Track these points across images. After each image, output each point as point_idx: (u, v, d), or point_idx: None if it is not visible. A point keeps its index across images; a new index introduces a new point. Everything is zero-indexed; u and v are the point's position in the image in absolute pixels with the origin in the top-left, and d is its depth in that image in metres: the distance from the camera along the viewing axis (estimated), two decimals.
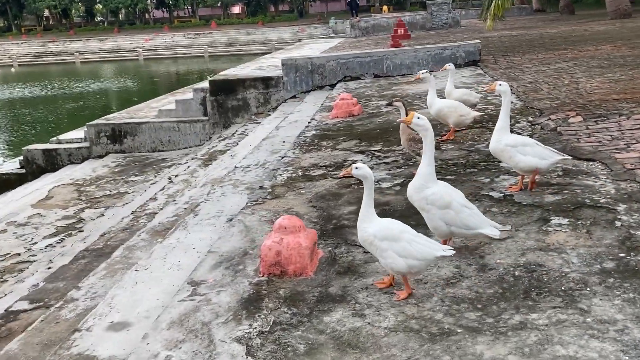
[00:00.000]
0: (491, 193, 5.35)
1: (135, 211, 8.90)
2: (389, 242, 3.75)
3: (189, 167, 10.96)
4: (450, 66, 8.13)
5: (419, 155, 6.19)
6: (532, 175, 5.25)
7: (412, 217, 4.81)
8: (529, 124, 7.71)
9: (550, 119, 7.58)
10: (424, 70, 7.66)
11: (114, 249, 6.75)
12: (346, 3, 35.67)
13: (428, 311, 3.57)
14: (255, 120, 14.73)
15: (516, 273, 3.89)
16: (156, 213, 8.00)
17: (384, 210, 5.27)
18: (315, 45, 27.69)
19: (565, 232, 4.37)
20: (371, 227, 3.87)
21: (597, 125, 7.06)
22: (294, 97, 14.95)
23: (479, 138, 7.38)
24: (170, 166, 12.80)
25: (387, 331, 3.40)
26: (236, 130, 13.87)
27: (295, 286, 4.09)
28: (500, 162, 5.94)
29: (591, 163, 5.82)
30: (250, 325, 3.63)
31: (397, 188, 5.86)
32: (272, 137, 9.88)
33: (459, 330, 3.32)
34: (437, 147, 6.32)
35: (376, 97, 11.52)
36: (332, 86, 14.68)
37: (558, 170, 5.71)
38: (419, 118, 4.27)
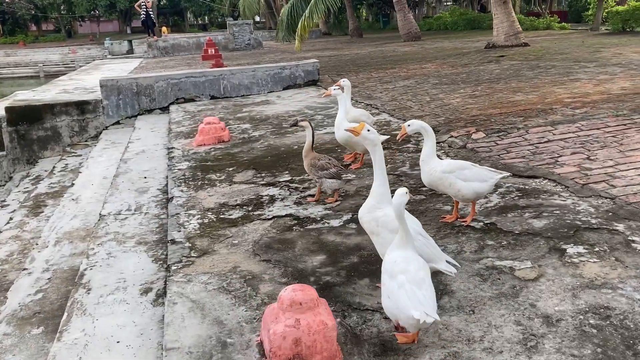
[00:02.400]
0: (471, 224, 4.75)
1: None
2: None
3: (10, 218, 8.54)
4: (345, 82, 7.44)
5: (317, 181, 5.49)
6: (473, 202, 4.75)
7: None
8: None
9: (452, 136, 7.35)
10: (334, 87, 6.84)
11: None
12: (141, 22, 33.27)
13: None
14: (73, 152, 12.42)
15: (591, 321, 3.28)
16: None
17: (354, 262, 4.31)
18: (114, 65, 25.07)
19: (594, 262, 3.92)
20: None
21: (503, 140, 7.00)
22: (117, 123, 13.00)
23: (393, 161, 6.81)
24: None
25: None
26: (53, 167, 11.43)
27: None
28: None
29: (537, 180, 5.60)
30: None
31: (353, 225, 4.94)
32: (124, 172, 8.15)
33: None
34: (340, 178, 5.62)
35: (232, 119, 10.38)
36: (164, 109, 13.08)
37: (513, 191, 5.37)
38: (368, 131, 3.97)
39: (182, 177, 6.99)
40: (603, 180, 5.33)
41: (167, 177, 7.70)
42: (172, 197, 6.21)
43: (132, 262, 5.06)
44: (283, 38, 27.16)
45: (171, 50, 29.80)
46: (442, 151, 6.95)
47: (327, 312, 3.20)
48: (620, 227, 4.38)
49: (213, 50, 23.30)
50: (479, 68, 13.80)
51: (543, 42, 18.77)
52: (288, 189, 6.15)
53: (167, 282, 4.22)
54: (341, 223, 5.06)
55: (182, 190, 6.42)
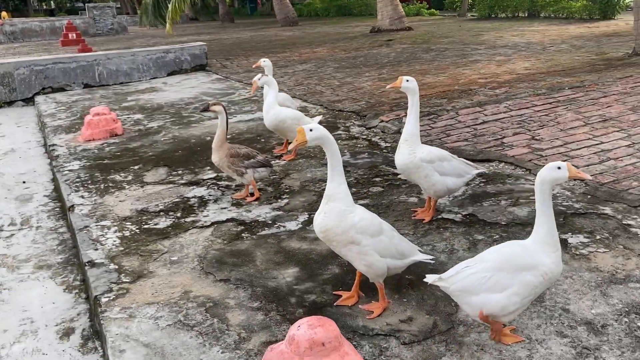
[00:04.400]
0: (447, 216, 4.23)
1: None
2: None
3: None
4: (265, 62, 6.61)
5: (242, 175, 4.73)
6: (435, 199, 4.21)
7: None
8: (363, 127, 6.83)
9: (382, 121, 6.84)
10: (258, 77, 5.95)
11: None
12: None
13: None
14: None
15: (638, 323, 2.87)
16: None
17: (337, 273, 3.61)
18: None
19: (603, 252, 3.55)
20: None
21: (436, 123, 6.61)
22: None
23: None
24: None
25: None
26: None
27: None
28: (401, 177, 4.89)
29: (492, 164, 5.25)
30: None
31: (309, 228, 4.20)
32: None
33: None
34: (270, 165, 5.03)
35: (119, 110, 9.05)
36: (27, 101, 11.28)
37: (475, 177, 4.94)
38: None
39: (78, 179, 5.76)
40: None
41: (52, 180, 6.40)
42: (72, 206, 5.02)
43: (36, 294, 3.91)
44: (150, 22, 25.31)
45: (20, 35, 26.52)
46: (378, 137, 6.41)
47: (353, 350, 2.47)
48: (608, 210, 4.10)
49: (74, 34, 20.96)
50: (373, 52, 13.55)
51: (423, 27, 19.09)
52: (218, 188, 5.24)
53: (102, 321, 3.20)
54: (299, 225, 4.29)
55: (82, 196, 5.24)
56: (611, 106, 6.59)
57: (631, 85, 7.40)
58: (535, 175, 4.83)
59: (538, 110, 6.70)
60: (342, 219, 3.03)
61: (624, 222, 3.89)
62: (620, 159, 5.02)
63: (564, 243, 3.69)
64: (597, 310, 3.00)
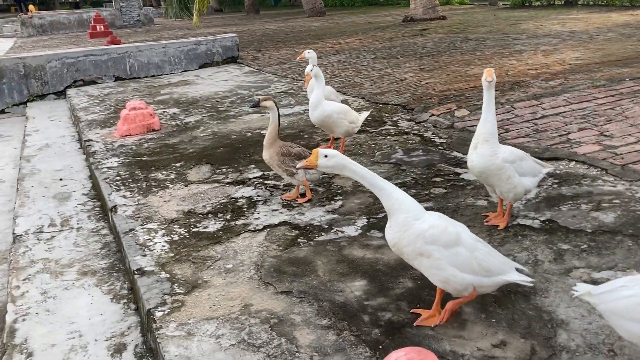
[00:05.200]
0: (524, 222, 3.86)
1: None
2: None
3: None
4: (310, 53, 6.28)
5: (292, 175, 4.40)
6: (512, 203, 3.83)
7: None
8: (412, 122, 6.47)
9: (433, 114, 6.47)
10: (309, 68, 5.65)
11: None
12: None
13: None
14: None
15: None
16: None
17: (410, 287, 3.27)
18: None
19: None
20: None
21: None
22: (2, 112, 10.86)
23: (377, 146, 5.79)
24: None
25: None
26: None
27: None
28: (464, 177, 4.53)
29: (562, 163, 4.85)
30: None
31: (377, 234, 3.88)
32: (31, 174, 6.47)
33: None
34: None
35: (153, 104, 8.81)
36: (59, 94, 11.13)
37: (545, 177, 4.55)
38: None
39: (118, 177, 5.51)
40: None
41: (90, 177, 6.17)
42: (114, 206, 4.77)
43: (83, 303, 3.66)
44: (175, 14, 25.13)
45: (49, 28, 26.60)
46: (430, 132, 6.05)
47: None
48: None
49: (102, 26, 20.88)
50: (409, 41, 13.11)
51: (457, 16, 18.56)
52: (265, 188, 4.94)
53: (158, 339, 2.92)
54: (359, 231, 3.97)
55: (124, 196, 4.99)
56: None
57: None
58: (613, 175, 4.47)
59: (601, 104, 6.26)
60: (407, 228, 2.70)
61: None
62: None
63: None
64: None
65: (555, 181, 4.49)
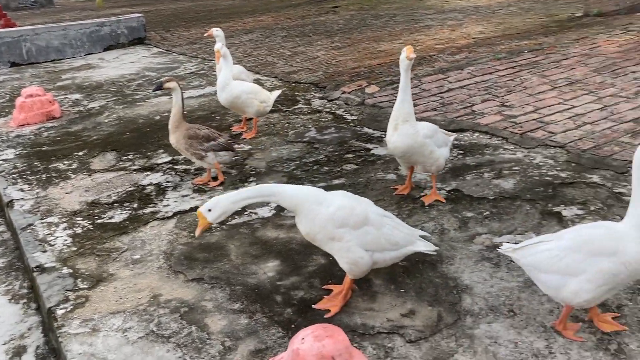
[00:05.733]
0: (427, 192, 3.96)
1: None
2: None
3: None
4: (218, 31, 6.10)
5: (202, 158, 4.31)
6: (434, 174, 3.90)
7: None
8: (325, 100, 6.46)
9: (344, 92, 6.49)
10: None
11: None
12: None
13: None
14: None
15: None
16: None
17: (323, 263, 3.29)
18: None
19: None
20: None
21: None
22: None
23: (291, 125, 5.74)
24: None
25: None
26: None
27: None
28: (374, 152, 4.58)
29: (466, 134, 5.01)
30: None
31: (291, 213, 3.86)
32: None
33: None
34: (233, 149, 4.53)
35: (54, 90, 8.30)
36: None
37: (451, 148, 4.69)
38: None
39: (14, 170, 5.16)
40: (538, 128, 4.91)
41: None
42: (10, 201, 4.46)
43: None
44: None
45: None
46: (342, 110, 6.07)
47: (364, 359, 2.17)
48: (596, 178, 3.94)
49: None
50: (320, 19, 13.08)
51: None
52: (175, 173, 4.79)
53: (60, 338, 2.77)
54: (273, 211, 3.93)
55: (22, 190, 4.68)
56: (574, 68, 6.48)
57: (589, 47, 7.32)
58: (513, 144, 4.67)
59: (502, 75, 6.51)
60: (314, 216, 2.66)
61: (615, 191, 3.74)
62: (596, 123, 4.88)
63: (557, 216, 3.50)
64: None
65: (460, 152, 4.64)
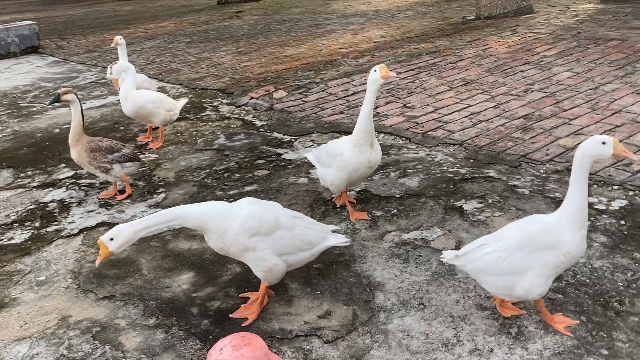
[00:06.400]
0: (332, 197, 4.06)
1: None
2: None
3: None
4: (121, 40, 5.93)
5: (107, 171, 4.22)
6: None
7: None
8: (233, 105, 6.42)
9: (252, 97, 6.49)
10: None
11: None
12: None
13: None
14: None
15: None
16: None
17: (238, 272, 3.29)
18: None
19: (498, 215, 3.61)
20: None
21: (308, 97, 6.42)
22: None
23: (199, 133, 5.67)
24: None
25: None
26: None
27: None
28: (285, 157, 4.63)
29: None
30: None
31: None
32: None
33: None
34: (139, 159, 4.41)
35: None
36: None
37: None
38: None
39: None
40: (438, 127, 5.16)
41: None
42: None
43: None
44: None
45: None
46: (251, 115, 6.07)
47: None
48: (492, 173, 4.21)
49: None
50: (224, 24, 12.98)
51: None
52: (79, 188, 4.60)
53: None
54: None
55: None
56: (469, 69, 6.87)
57: (482, 48, 7.79)
58: (416, 143, 4.89)
59: (403, 78, 6.79)
60: (223, 231, 2.64)
61: (509, 184, 4.02)
62: (490, 120, 5.22)
63: (459, 210, 3.72)
64: None
65: None
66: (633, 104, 5.29)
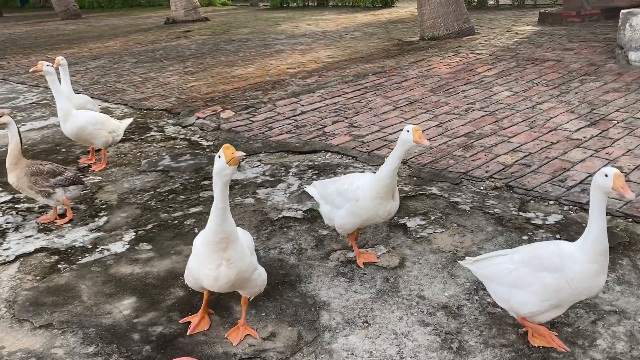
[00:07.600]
0: (288, 214, 4.05)
1: None
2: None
3: None
4: (63, 60, 5.81)
5: (50, 195, 4.13)
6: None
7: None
8: (179, 126, 6.35)
9: (199, 117, 6.44)
10: (47, 63, 5.27)
11: None
12: None
13: None
14: None
15: (489, 300, 3.00)
16: None
17: (181, 295, 3.24)
18: None
19: (440, 232, 3.68)
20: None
21: (256, 116, 6.43)
22: None
23: (143, 154, 5.57)
24: None
25: None
26: None
27: None
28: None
29: (319, 154, 5.21)
30: None
31: (147, 246, 3.73)
32: None
33: None
34: (82, 183, 4.33)
35: None
36: None
37: (306, 170, 4.85)
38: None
39: None
40: (383, 146, 5.26)
41: None
42: None
43: None
44: None
45: None
46: (197, 136, 6.02)
47: None
48: (435, 190, 4.30)
49: None
50: (172, 44, 12.89)
51: (219, 17, 18.75)
52: (17, 213, 4.44)
53: None
54: (127, 246, 3.79)
55: None
56: (413, 89, 7.04)
57: (425, 69, 8.00)
58: (362, 162, 4.96)
59: (350, 98, 6.89)
60: (243, 256, 2.63)
61: (451, 200, 4.12)
62: (433, 139, 5.34)
63: (403, 227, 3.78)
64: (449, 292, 3.09)
65: (315, 172, 4.82)
66: (567, 122, 5.54)
